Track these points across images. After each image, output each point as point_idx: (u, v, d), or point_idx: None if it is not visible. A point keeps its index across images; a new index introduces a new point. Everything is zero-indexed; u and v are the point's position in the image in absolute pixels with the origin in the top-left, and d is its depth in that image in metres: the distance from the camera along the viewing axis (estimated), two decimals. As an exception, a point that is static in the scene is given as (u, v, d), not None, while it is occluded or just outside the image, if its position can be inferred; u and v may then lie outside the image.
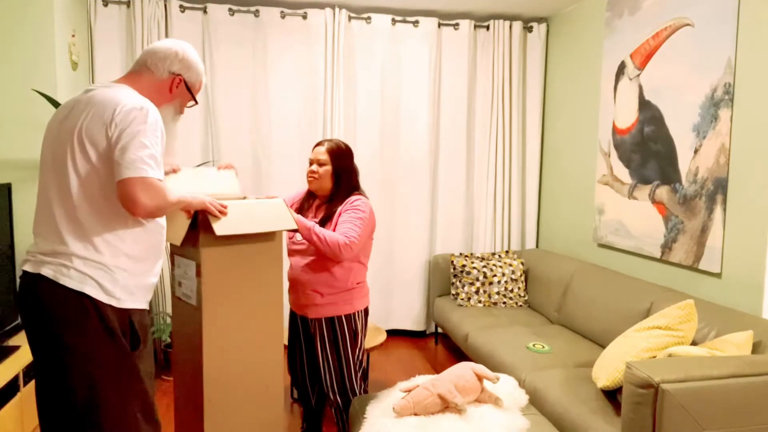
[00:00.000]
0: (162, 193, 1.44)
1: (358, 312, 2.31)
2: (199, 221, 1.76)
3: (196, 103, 1.74)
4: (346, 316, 2.28)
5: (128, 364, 1.49)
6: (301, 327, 2.41)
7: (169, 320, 3.58)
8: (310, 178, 2.31)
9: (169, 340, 3.47)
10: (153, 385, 1.61)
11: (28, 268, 1.47)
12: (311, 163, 2.31)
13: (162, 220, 1.62)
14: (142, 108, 1.45)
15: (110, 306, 1.46)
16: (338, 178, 2.30)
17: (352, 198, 2.29)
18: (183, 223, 1.80)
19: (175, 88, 1.66)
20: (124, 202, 1.41)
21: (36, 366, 1.49)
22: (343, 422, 2.35)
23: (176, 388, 2.00)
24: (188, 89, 1.69)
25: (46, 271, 1.43)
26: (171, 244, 1.95)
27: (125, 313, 1.49)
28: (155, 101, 1.61)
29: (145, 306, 1.57)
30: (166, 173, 1.87)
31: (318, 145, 2.33)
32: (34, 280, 1.45)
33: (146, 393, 1.54)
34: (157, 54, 1.62)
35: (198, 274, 1.78)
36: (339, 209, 2.27)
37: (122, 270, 1.48)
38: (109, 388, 1.46)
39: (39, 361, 1.48)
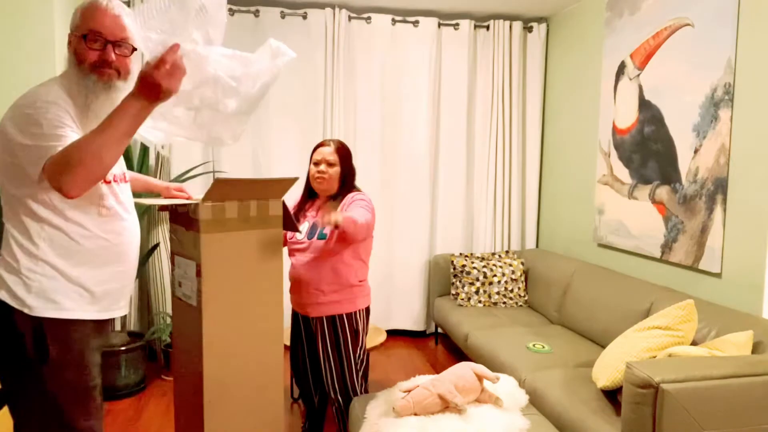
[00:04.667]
0: (65, 158, 1.29)
1: (359, 311, 2.32)
2: (197, 220, 1.76)
3: (84, 38, 1.41)
4: (347, 314, 2.28)
5: (36, 376, 1.39)
6: (303, 326, 2.42)
7: (169, 320, 3.58)
8: (318, 179, 2.29)
9: (169, 340, 3.47)
10: (85, 399, 1.47)
11: None
12: (318, 164, 2.29)
13: (97, 224, 1.47)
14: (33, 103, 1.36)
15: (21, 313, 1.38)
16: (345, 178, 2.31)
17: (352, 194, 2.29)
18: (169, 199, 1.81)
19: (70, 47, 1.46)
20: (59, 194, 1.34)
21: None
22: (343, 421, 2.35)
23: (176, 388, 2.00)
24: (78, 36, 1.44)
25: None
26: (171, 244, 1.95)
27: (36, 322, 1.39)
28: (72, 75, 1.45)
29: (80, 316, 1.44)
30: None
31: (322, 145, 2.31)
32: None
33: (58, 407, 1.42)
34: None
35: (198, 274, 1.78)
36: (340, 206, 2.27)
37: (40, 275, 1.39)
38: (17, 398, 1.42)
39: None
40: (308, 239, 2.28)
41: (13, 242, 1.39)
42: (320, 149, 2.30)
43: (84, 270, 1.44)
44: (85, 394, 1.46)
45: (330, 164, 2.27)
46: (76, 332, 1.44)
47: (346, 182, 2.31)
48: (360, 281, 2.33)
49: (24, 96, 1.40)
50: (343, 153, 2.31)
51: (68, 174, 1.28)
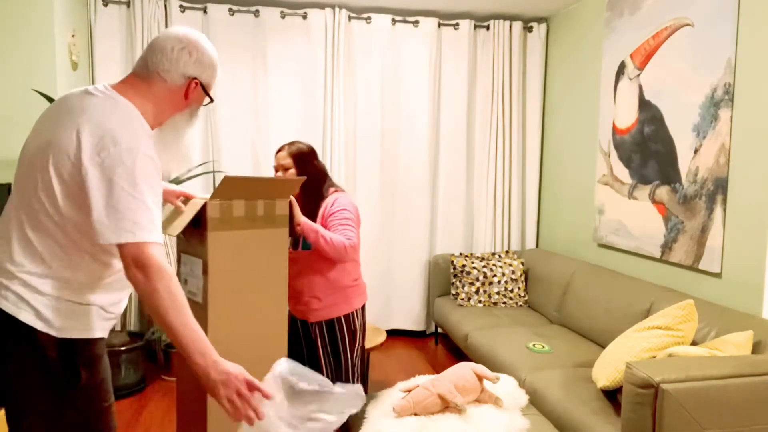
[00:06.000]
0: (153, 273, 1.24)
1: (356, 310, 2.32)
2: (205, 219, 1.76)
3: (212, 100, 1.57)
4: (345, 316, 2.28)
5: (65, 399, 1.33)
6: (301, 330, 2.42)
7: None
8: None
9: (169, 340, 3.47)
10: (107, 421, 1.43)
11: None
12: (276, 171, 2.28)
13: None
14: (130, 150, 1.26)
15: (47, 335, 1.30)
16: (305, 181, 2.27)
17: (330, 199, 2.25)
18: (181, 215, 1.80)
19: (191, 93, 1.48)
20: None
21: None
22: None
23: (179, 387, 2.00)
24: (204, 90, 1.51)
25: None
26: (177, 243, 1.95)
27: (64, 344, 1.32)
28: (167, 111, 1.47)
29: (99, 335, 1.40)
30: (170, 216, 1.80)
31: (279, 150, 2.28)
32: None
33: (86, 429, 1.37)
34: (167, 57, 1.43)
35: (204, 271, 1.78)
36: (320, 212, 2.24)
37: (65, 300, 1.32)
38: (40, 423, 1.34)
39: None
40: (294, 249, 2.27)
41: (44, 263, 1.31)
42: (277, 155, 2.28)
43: (100, 294, 1.41)
44: (108, 412, 1.43)
45: (285, 168, 2.24)
46: (98, 351, 1.41)
47: (307, 185, 2.24)
48: (354, 280, 2.32)
49: (117, 132, 1.27)
50: (298, 155, 2.24)
51: (151, 282, 1.25)
